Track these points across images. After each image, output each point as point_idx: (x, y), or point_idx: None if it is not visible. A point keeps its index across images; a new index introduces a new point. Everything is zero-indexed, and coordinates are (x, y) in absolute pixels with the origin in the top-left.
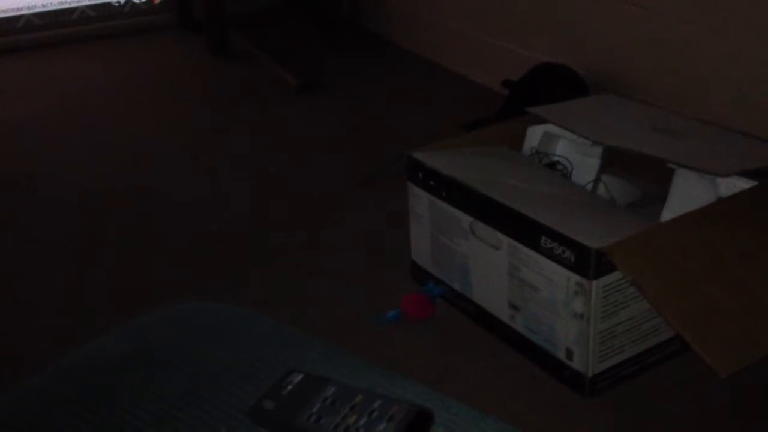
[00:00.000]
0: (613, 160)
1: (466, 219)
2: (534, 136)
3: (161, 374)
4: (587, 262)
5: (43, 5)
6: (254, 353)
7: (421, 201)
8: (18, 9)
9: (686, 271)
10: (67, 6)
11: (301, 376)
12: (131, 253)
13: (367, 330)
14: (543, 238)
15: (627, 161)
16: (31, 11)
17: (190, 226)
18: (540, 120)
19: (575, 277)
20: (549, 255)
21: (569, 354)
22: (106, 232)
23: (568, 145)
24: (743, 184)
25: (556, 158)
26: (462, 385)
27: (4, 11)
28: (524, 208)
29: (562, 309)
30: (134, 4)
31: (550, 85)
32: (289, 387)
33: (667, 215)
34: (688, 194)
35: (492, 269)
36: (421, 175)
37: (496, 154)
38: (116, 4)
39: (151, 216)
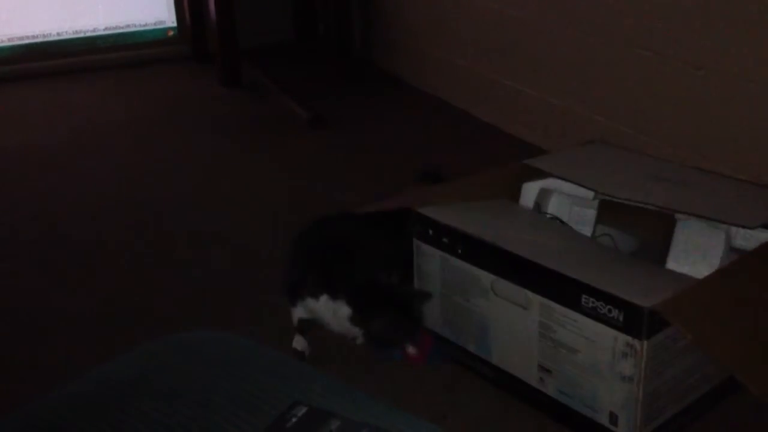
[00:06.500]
0: (604, 211)
1: (486, 277)
2: (529, 194)
3: (166, 402)
4: (639, 322)
5: (58, 33)
6: (259, 384)
7: (431, 260)
8: (34, 36)
9: (740, 322)
10: (81, 35)
11: (305, 409)
12: (138, 279)
13: (372, 365)
14: (584, 296)
15: (619, 212)
16: (47, 39)
17: (197, 255)
18: (533, 176)
19: (624, 338)
20: (592, 315)
21: (613, 419)
22: (112, 258)
23: (561, 199)
24: (760, 234)
25: (549, 215)
26: (466, 422)
27: (20, 38)
28: (559, 266)
29: (606, 371)
30: None
31: None
32: (293, 420)
33: (672, 264)
34: (692, 243)
35: (518, 330)
36: (431, 232)
37: (499, 207)
38: None
39: (159, 243)
